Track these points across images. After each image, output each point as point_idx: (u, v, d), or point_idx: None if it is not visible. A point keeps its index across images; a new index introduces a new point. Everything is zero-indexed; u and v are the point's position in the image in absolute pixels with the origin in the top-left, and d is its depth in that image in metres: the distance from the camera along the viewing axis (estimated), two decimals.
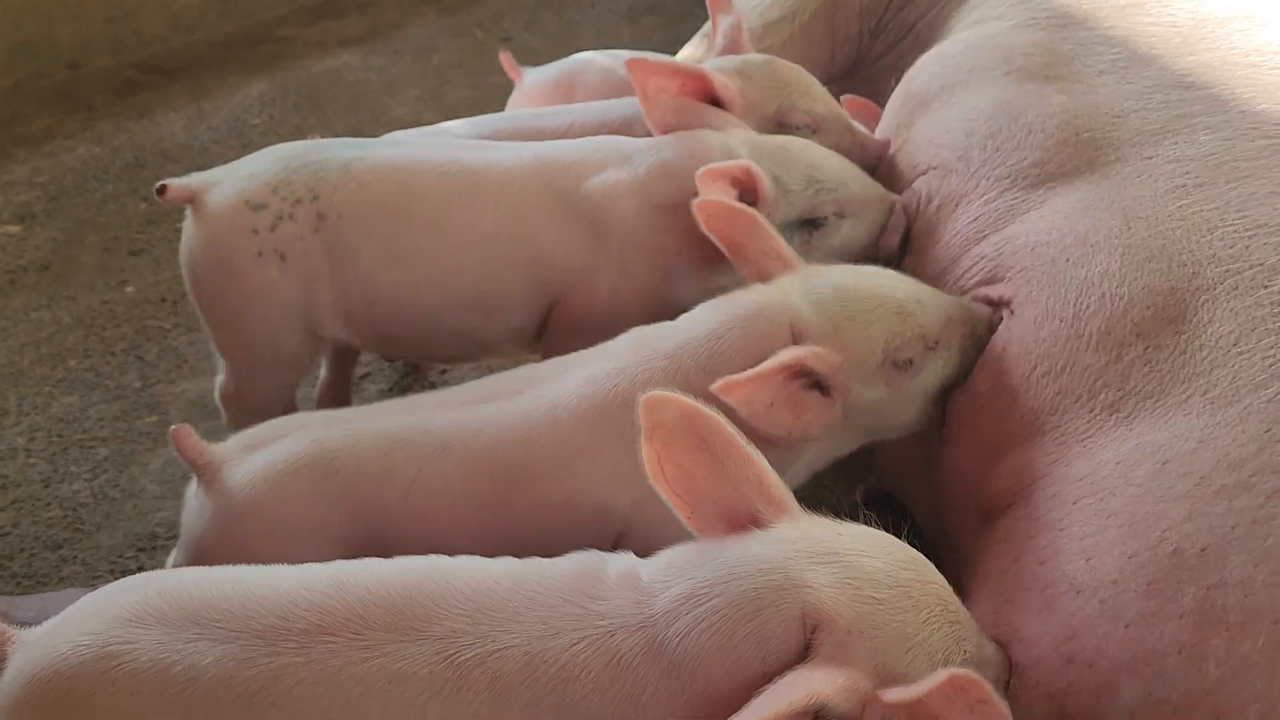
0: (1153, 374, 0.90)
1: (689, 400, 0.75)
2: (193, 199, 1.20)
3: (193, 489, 1.01)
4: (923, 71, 1.38)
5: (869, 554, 0.73)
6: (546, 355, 1.25)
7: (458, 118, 2.31)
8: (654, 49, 2.58)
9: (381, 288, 1.20)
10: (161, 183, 1.19)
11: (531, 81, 1.76)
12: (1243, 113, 1.05)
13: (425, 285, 1.21)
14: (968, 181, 1.20)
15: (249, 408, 1.24)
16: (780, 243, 1.07)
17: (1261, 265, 0.90)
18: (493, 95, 2.42)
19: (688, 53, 1.84)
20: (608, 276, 1.20)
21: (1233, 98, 1.07)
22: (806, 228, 1.22)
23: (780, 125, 1.36)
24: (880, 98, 1.71)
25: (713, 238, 1.09)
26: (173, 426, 0.99)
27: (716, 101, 1.31)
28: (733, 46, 1.46)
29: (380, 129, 2.29)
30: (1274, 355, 0.84)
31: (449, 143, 1.31)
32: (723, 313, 1.04)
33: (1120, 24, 1.24)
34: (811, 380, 0.98)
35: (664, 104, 1.27)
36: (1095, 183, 1.09)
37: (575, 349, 1.16)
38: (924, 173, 1.27)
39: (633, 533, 1.00)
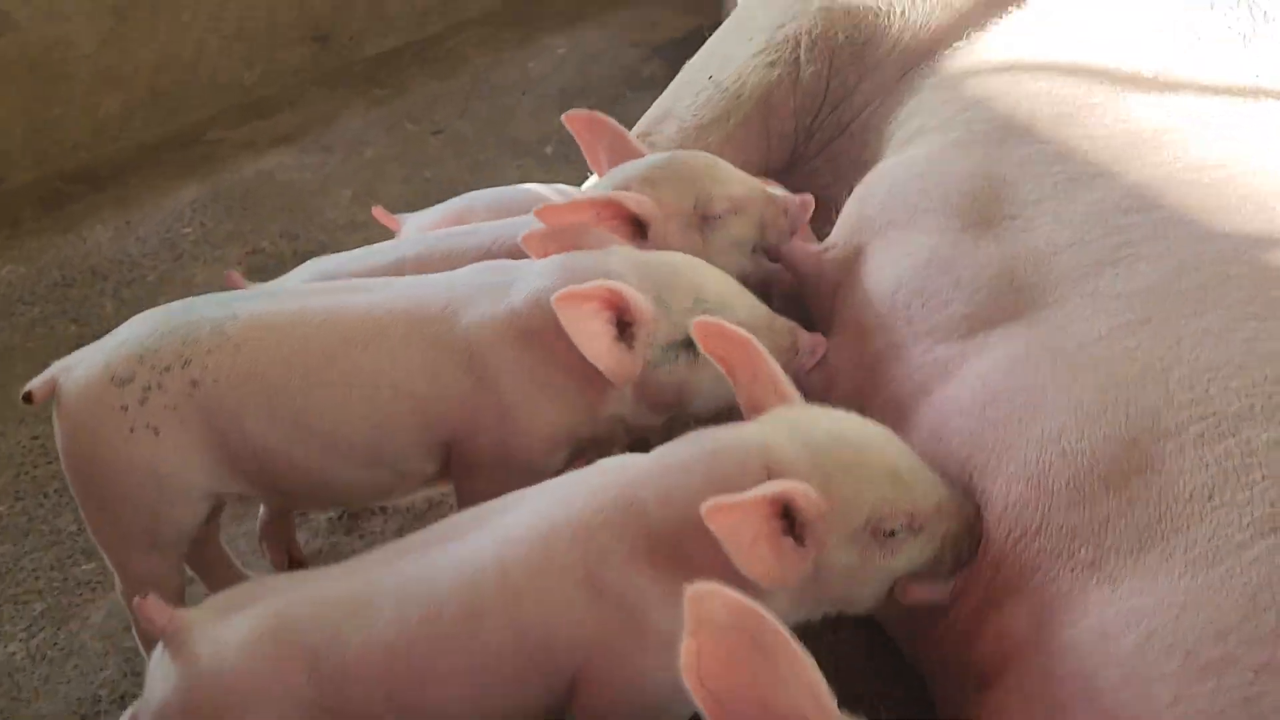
0: (1130, 529, 0.90)
1: (739, 596, 0.70)
2: (55, 389, 1.14)
3: (159, 652, 0.98)
4: (875, 195, 1.38)
5: None
6: (458, 495, 1.23)
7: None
8: None
9: (270, 447, 1.15)
10: (26, 389, 1.15)
11: (415, 224, 1.67)
12: (1185, 237, 1.05)
13: (314, 441, 1.16)
14: (900, 335, 1.19)
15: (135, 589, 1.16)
16: (779, 374, 1.02)
17: (1225, 412, 0.90)
18: (428, 190, 2.40)
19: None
20: (495, 416, 1.16)
21: (1174, 220, 1.08)
22: (691, 350, 1.13)
23: (704, 219, 1.33)
24: (817, 191, 1.72)
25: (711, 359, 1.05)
26: (137, 598, 0.96)
27: (636, 220, 1.29)
28: (622, 158, 1.43)
29: (315, 230, 2.27)
30: (1251, 512, 0.83)
31: (327, 289, 1.24)
32: (696, 446, 0.99)
33: (1057, 137, 1.25)
34: (789, 525, 0.92)
35: (539, 233, 1.24)
36: (1036, 328, 1.08)
37: (483, 487, 1.15)
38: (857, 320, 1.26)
39: (587, 677, 0.98)
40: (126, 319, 1.20)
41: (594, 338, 1.09)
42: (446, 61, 2.99)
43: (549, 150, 2.53)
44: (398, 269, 1.36)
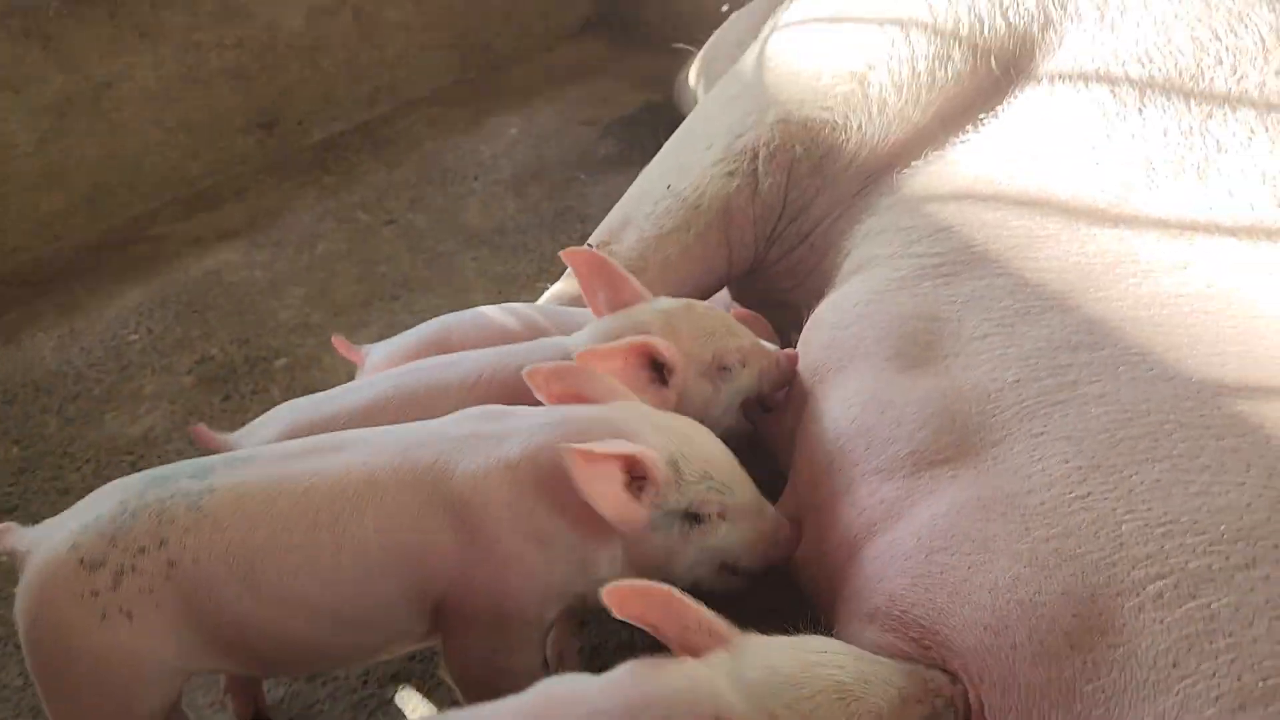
0: (1099, 695, 0.87)
1: None
2: (17, 561, 1.09)
3: None
4: (818, 338, 1.37)
5: None
6: (447, 654, 1.20)
7: (346, 315, 2.27)
8: (540, 219, 2.58)
9: (254, 622, 1.10)
10: None
11: (382, 355, 1.56)
12: (1134, 379, 1.04)
13: (302, 612, 1.11)
14: (847, 477, 1.18)
15: None
16: (704, 613, 0.97)
17: (1184, 570, 0.88)
18: (381, 287, 2.36)
19: (559, 288, 1.79)
20: (489, 573, 1.12)
21: (1123, 360, 1.07)
22: (688, 520, 1.14)
23: (719, 369, 1.35)
24: (779, 296, 1.71)
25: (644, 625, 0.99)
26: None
27: (658, 364, 1.29)
28: (622, 298, 1.42)
29: (267, 335, 2.22)
30: (1219, 685, 0.81)
31: (307, 448, 1.18)
32: (642, 689, 0.93)
33: (1008, 270, 1.24)
34: None
35: (545, 371, 1.22)
36: (983, 469, 1.06)
37: (475, 645, 1.15)
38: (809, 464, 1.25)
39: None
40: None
41: (605, 489, 1.07)
42: (397, 145, 2.97)
43: (503, 240, 2.50)
44: (379, 409, 1.32)
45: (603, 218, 2.54)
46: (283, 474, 1.12)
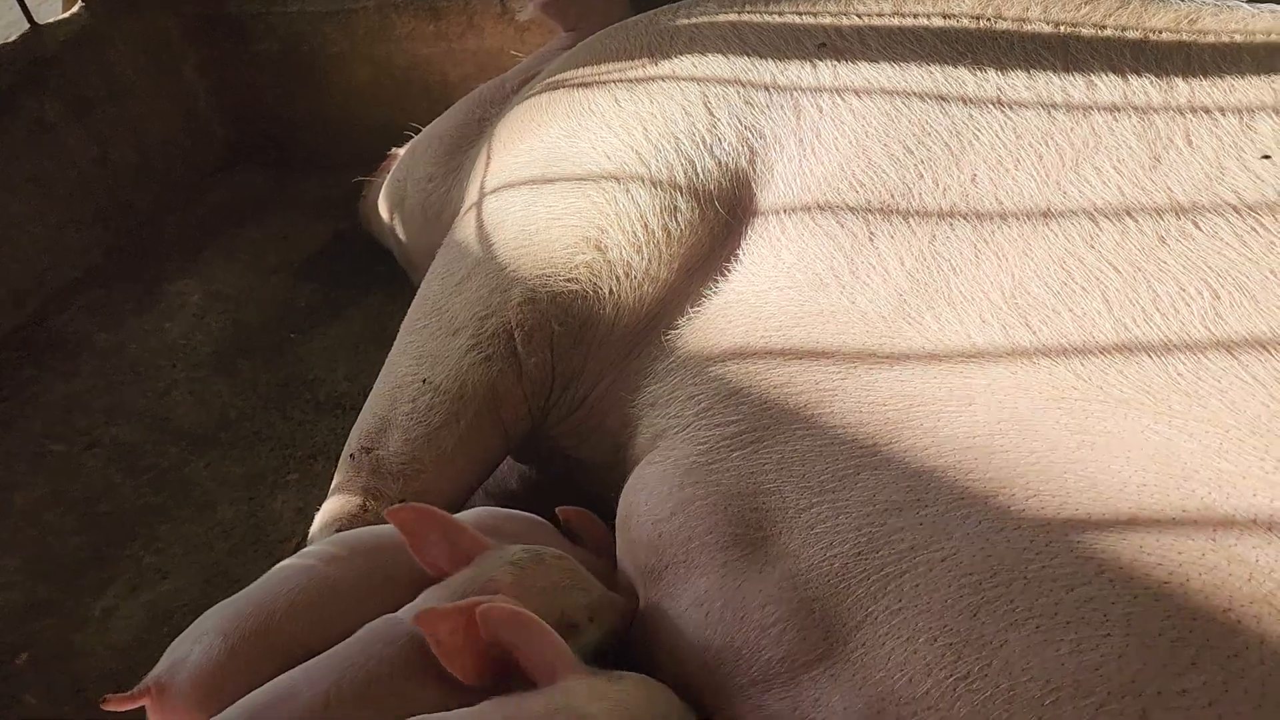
0: None
1: None
2: None
3: None
4: (643, 533, 1.36)
5: None
6: None
7: (84, 577, 2.05)
8: (264, 399, 2.43)
9: None
10: None
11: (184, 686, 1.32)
12: (968, 535, 1.09)
13: None
14: (725, 693, 1.18)
15: None
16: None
17: None
18: (112, 532, 2.14)
19: (332, 509, 1.65)
20: None
21: (951, 515, 1.10)
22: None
23: (568, 626, 1.30)
24: (564, 453, 1.71)
25: None
26: None
27: None
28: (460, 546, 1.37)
29: None
30: None
31: None
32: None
33: (811, 428, 1.27)
34: None
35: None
36: (859, 665, 1.07)
37: None
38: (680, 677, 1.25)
39: None
40: None
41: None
42: (64, 347, 2.68)
43: (232, 434, 2.33)
44: None
45: (332, 378, 2.43)
46: None
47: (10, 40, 2.81)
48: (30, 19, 2.85)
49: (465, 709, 1.17)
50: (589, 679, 1.19)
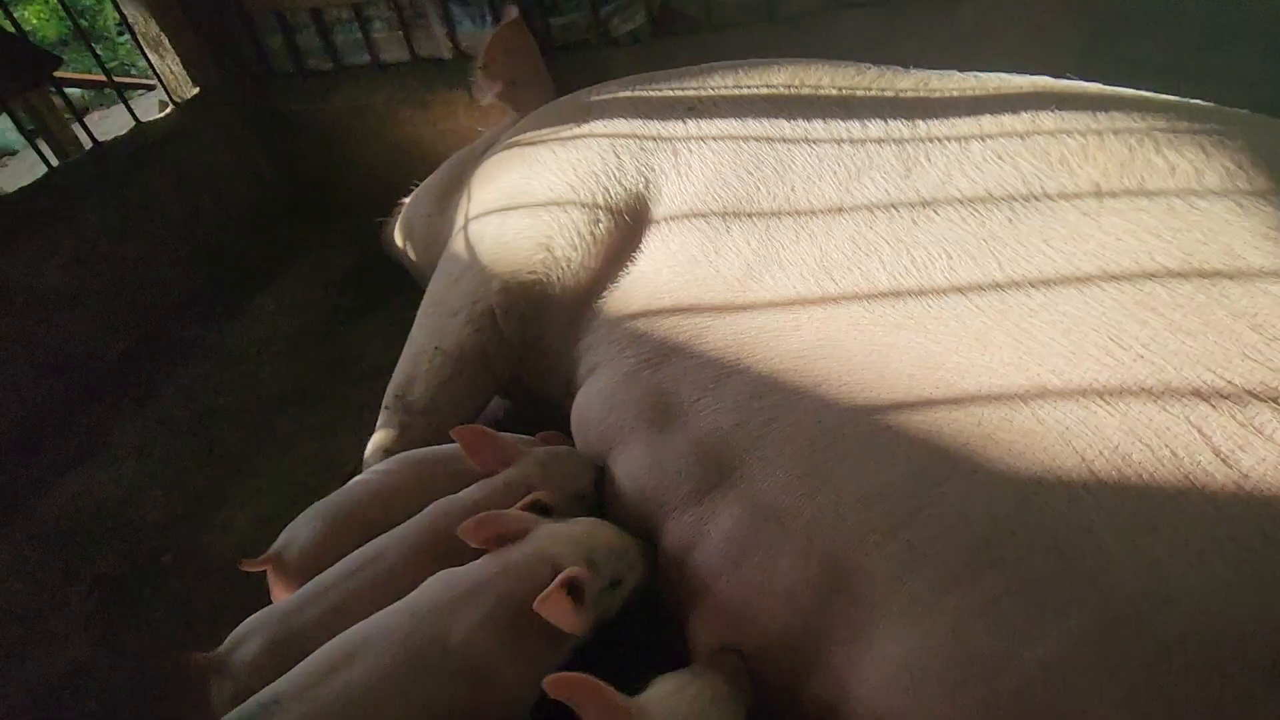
0: (859, 615, 0.95)
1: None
2: None
3: None
4: (590, 429, 1.35)
5: None
6: None
7: (207, 499, 1.97)
8: (326, 369, 2.35)
9: None
10: None
11: (296, 553, 1.30)
12: (807, 409, 1.09)
13: None
14: (660, 515, 1.18)
15: None
16: (616, 696, 0.94)
17: (885, 521, 0.95)
18: (222, 468, 2.06)
19: (380, 439, 1.62)
20: (495, 696, 1.04)
21: (794, 399, 1.11)
22: (610, 587, 1.15)
23: (579, 497, 1.30)
24: (535, 389, 1.69)
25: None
26: None
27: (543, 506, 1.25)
28: (503, 453, 1.33)
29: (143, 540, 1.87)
30: (924, 577, 0.90)
31: (322, 667, 1.01)
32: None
33: (694, 352, 1.26)
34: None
35: (470, 528, 1.13)
36: (741, 490, 1.08)
37: None
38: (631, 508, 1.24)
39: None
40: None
41: (564, 615, 1.03)
42: (183, 346, 2.55)
43: (304, 395, 2.25)
44: (346, 612, 1.13)
45: (371, 354, 2.38)
46: (314, 710, 0.97)
47: (122, 134, 2.66)
48: (135, 118, 2.70)
49: (474, 562, 1.14)
50: (552, 526, 1.17)
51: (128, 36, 3.54)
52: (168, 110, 2.81)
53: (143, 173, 2.64)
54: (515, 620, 1.06)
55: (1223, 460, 0.87)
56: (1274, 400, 0.89)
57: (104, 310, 2.49)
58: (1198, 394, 0.93)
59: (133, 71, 4.25)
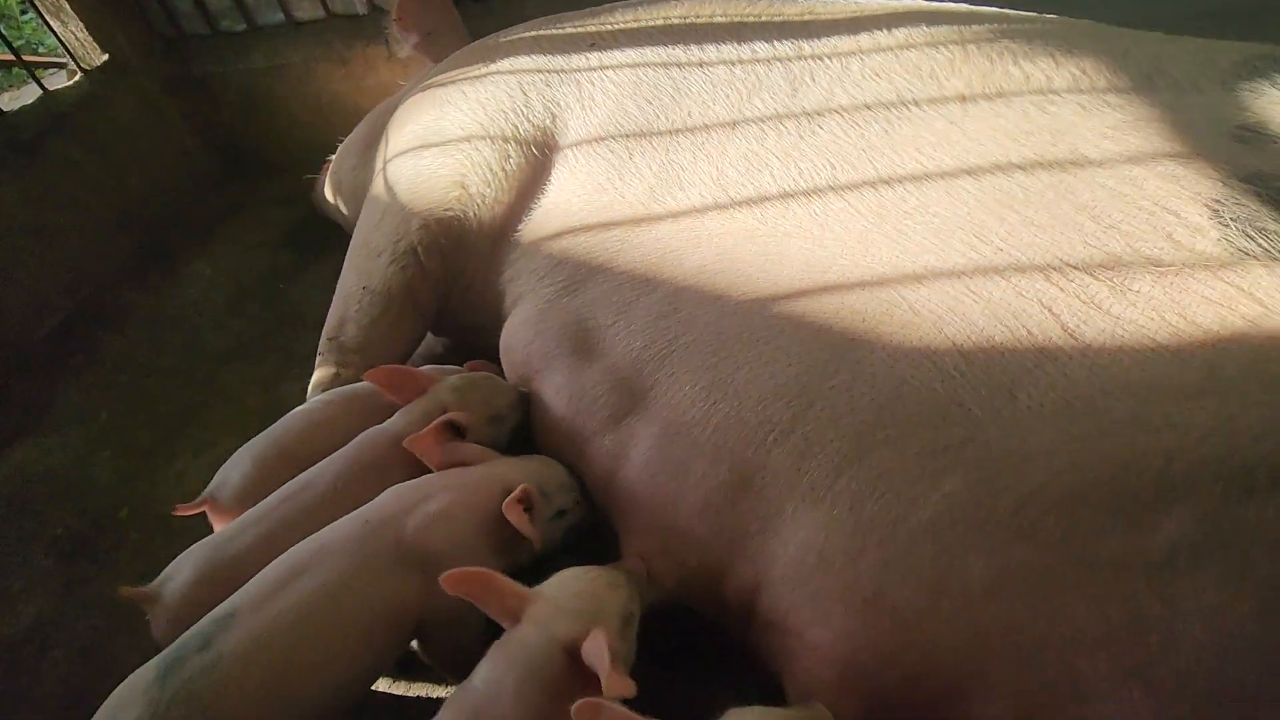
0: (771, 501, 0.96)
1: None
2: None
3: None
4: (515, 355, 1.35)
5: None
6: (427, 652, 1.11)
7: (156, 455, 1.90)
8: (271, 325, 2.25)
9: None
10: None
11: (231, 492, 1.25)
12: (705, 324, 1.10)
13: (329, 691, 0.96)
14: (584, 439, 1.18)
15: None
16: (512, 583, 0.93)
17: (781, 419, 0.97)
18: (172, 426, 1.97)
19: (318, 377, 1.58)
20: (447, 596, 1.00)
21: (694, 317, 1.11)
22: (558, 515, 1.17)
23: (495, 419, 1.30)
24: (464, 321, 1.65)
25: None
26: None
27: (458, 428, 1.24)
28: (419, 385, 1.31)
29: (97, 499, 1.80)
30: (826, 462, 0.93)
31: (275, 580, 0.98)
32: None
33: (606, 275, 1.26)
34: None
35: (421, 444, 1.16)
36: (655, 411, 1.09)
37: (443, 640, 1.06)
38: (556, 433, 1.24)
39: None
40: None
41: (522, 521, 1.08)
42: (117, 314, 2.43)
43: (244, 353, 2.17)
44: (282, 538, 1.09)
45: (313, 307, 2.29)
46: (272, 619, 0.93)
47: (29, 104, 2.44)
48: (42, 87, 2.48)
49: (429, 474, 1.15)
50: (508, 459, 1.20)
51: (33, 14, 3.22)
52: (75, 78, 2.58)
53: (57, 141, 2.48)
54: (467, 519, 1.08)
55: (1069, 334, 0.91)
56: (1110, 281, 0.92)
57: (33, 282, 2.33)
58: (1048, 279, 0.95)
59: (40, 50, 3.88)
